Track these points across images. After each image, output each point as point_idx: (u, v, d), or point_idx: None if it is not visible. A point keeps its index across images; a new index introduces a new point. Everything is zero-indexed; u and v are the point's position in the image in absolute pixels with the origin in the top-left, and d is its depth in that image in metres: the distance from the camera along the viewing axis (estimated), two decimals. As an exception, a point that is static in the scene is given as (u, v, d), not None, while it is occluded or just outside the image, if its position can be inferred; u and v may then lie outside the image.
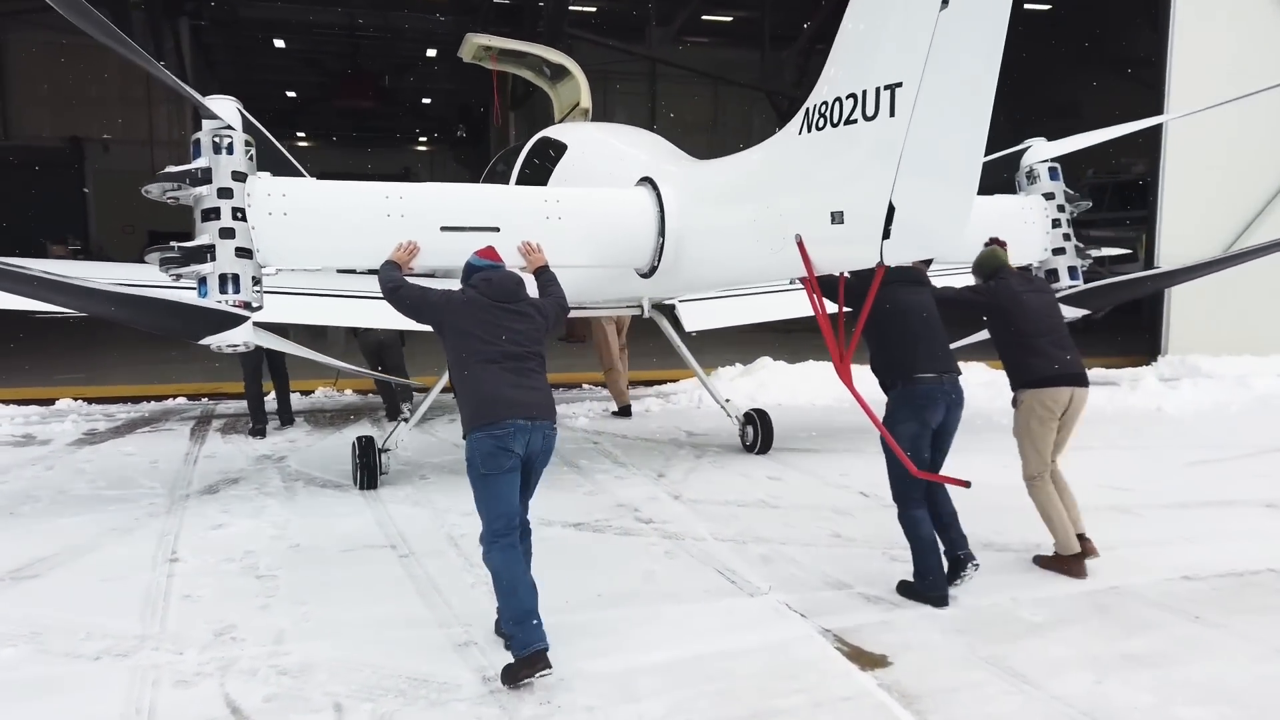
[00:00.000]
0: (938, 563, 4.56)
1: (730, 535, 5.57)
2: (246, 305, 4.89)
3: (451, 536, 5.47)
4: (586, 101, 8.32)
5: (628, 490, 6.58)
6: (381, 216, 5.07)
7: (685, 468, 7.28)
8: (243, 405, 9.52)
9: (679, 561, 5.12)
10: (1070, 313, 6.34)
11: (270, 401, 8.89)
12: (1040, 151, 6.57)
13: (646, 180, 5.87)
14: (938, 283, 5.15)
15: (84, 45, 29.15)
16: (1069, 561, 4.93)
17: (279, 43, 35.74)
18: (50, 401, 9.68)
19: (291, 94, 42.78)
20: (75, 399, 9.85)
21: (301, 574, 4.84)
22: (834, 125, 4.65)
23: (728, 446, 8.09)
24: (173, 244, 4.88)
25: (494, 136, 40.46)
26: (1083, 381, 4.96)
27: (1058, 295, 6.09)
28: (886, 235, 4.34)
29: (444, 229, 5.10)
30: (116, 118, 32.55)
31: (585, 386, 11.30)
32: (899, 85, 4.26)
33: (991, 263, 5.19)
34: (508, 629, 3.78)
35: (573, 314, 6.64)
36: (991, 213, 6.14)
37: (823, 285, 4.75)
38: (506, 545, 3.91)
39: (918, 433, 4.56)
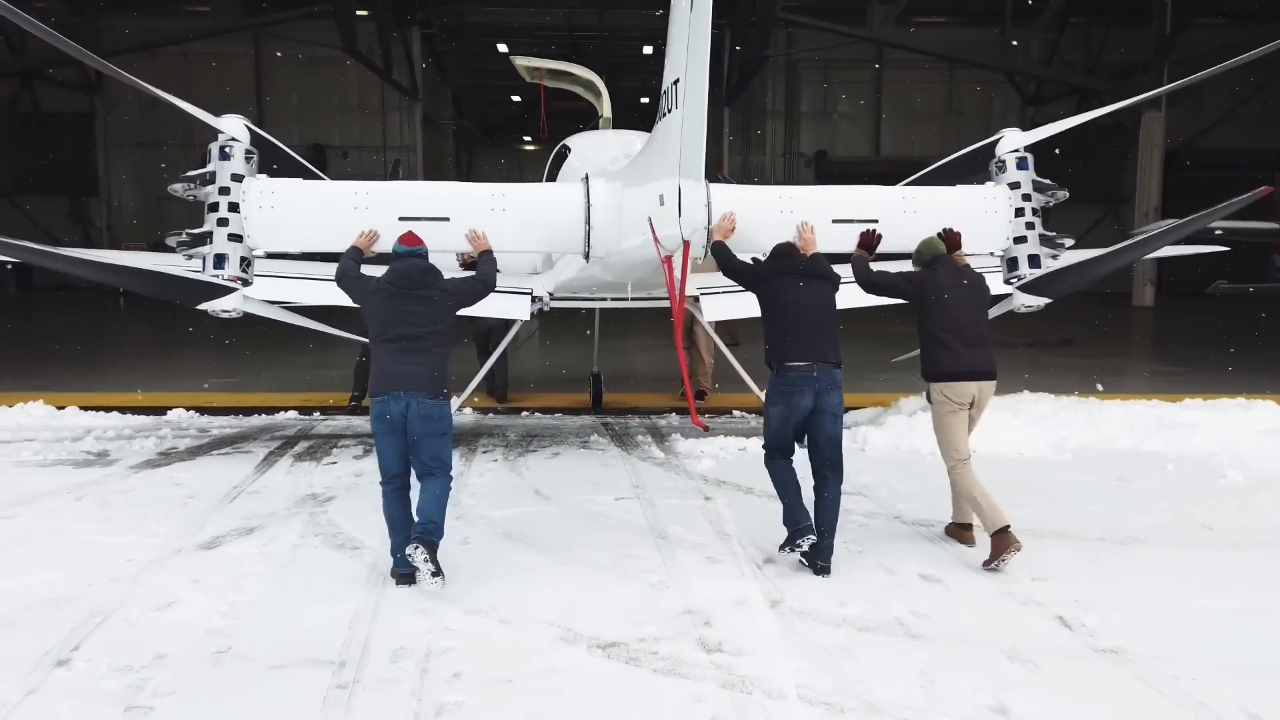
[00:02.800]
0: (798, 500, 5.06)
1: (825, 692, 3.64)
2: (244, 281, 5.90)
3: (429, 652, 3.94)
4: (607, 112, 9.73)
5: (711, 585, 4.78)
6: (350, 209, 5.84)
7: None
8: (340, 425, 8.70)
9: (723, 743, 3.29)
10: (1031, 300, 6.44)
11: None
12: (1011, 141, 6.48)
13: (585, 177, 6.44)
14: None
15: (327, 58, 30.80)
16: (998, 536, 5.03)
17: (502, 47, 36.33)
18: (163, 410, 9.25)
19: (516, 98, 43.66)
20: (189, 408, 9.36)
21: (189, 707, 3.48)
22: (663, 117, 5.57)
23: (881, 515, 6.07)
24: (185, 231, 5.90)
25: (712, 136, 39.31)
26: (986, 376, 5.33)
27: (1019, 284, 6.33)
28: (680, 212, 5.42)
29: (401, 218, 5.68)
30: (354, 125, 34.23)
31: (736, 413, 9.50)
32: (678, 81, 5.20)
33: (929, 250, 5.49)
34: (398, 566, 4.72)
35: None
36: (955, 202, 6.28)
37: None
38: (388, 491, 4.81)
39: (785, 415, 5.06)
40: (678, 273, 5.87)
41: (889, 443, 7.91)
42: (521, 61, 10.29)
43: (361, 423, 8.96)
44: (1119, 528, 5.76)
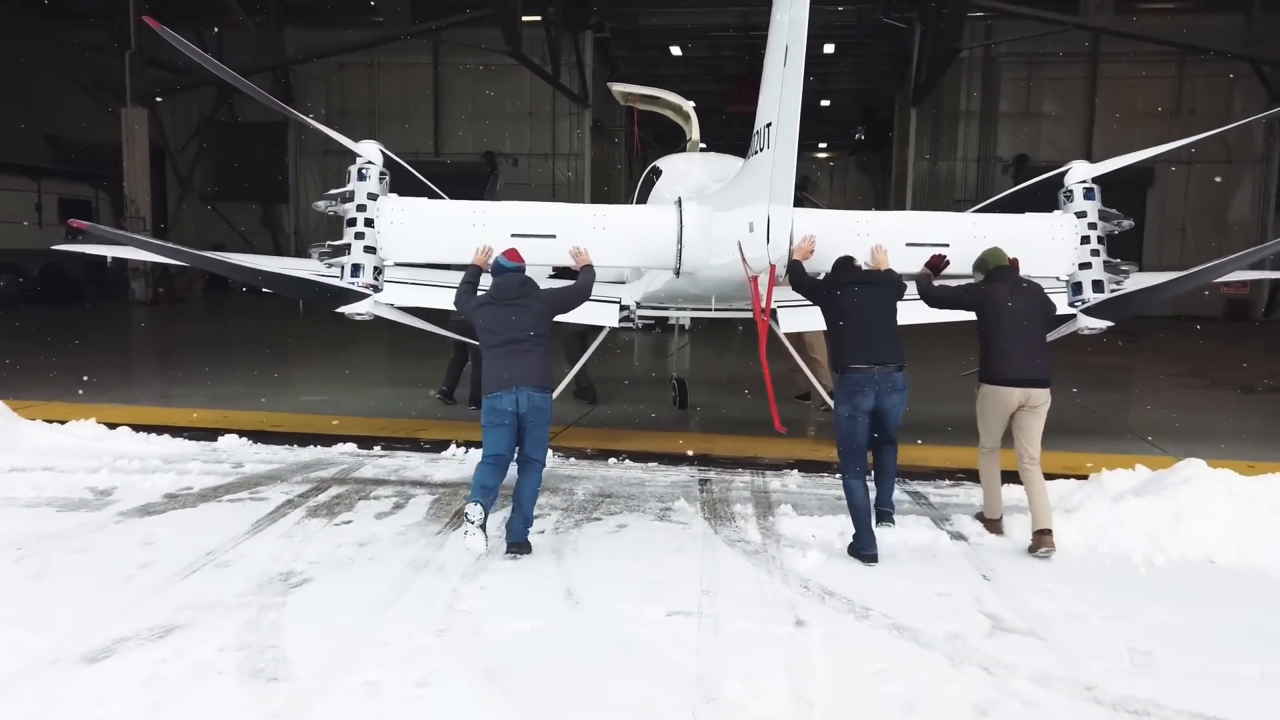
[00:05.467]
0: (867, 525, 5.44)
1: None
2: (374, 288, 6.45)
3: None
4: (696, 135, 10.74)
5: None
6: (469, 226, 6.48)
7: (931, 751, 3.37)
8: (393, 465, 7.37)
9: None
10: (1095, 323, 6.55)
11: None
12: (1079, 173, 6.75)
13: (679, 201, 6.94)
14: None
15: (501, 66, 30.57)
16: (991, 523, 5.97)
17: (675, 50, 35.12)
18: (215, 435, 8.27)
19: (691, 104, 42.20)
20: (243, 433, 8.34)
21: None
22: (755, 154, 6.16)
23: (1061, 682, 3.95)
24: (326, 243, 6.49)
25: (897, 140, 36.26)
26: (1036, 384, 5.61)
27: (1083, 308, 6.59)
28: (769, 240, 5.96)
29: (514, 235, 6.34)
30: (525, 132, 33.90)
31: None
32: (770, 124, 5.81)
33: (991, 260, 5.88)
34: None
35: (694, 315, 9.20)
36: (1023, 229, 6.66)
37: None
38: (487, 464, 5.38)
39: (851, 414, 5.47)
40: (762, 291, 6.08)
41: (1084, 542, 5.68)
42: (618, 88, 11.78)
43: (419, 463, 7.62)
44: None
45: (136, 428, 8.30)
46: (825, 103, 38.74)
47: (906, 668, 4.04)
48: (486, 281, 5.89)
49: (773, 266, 5.98)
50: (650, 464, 7.76)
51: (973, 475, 7.38)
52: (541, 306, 5.62)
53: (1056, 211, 6.83)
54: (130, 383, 11.71)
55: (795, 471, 7.49)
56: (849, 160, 44.91)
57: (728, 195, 6.76)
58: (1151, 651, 4.24)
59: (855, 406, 5.41)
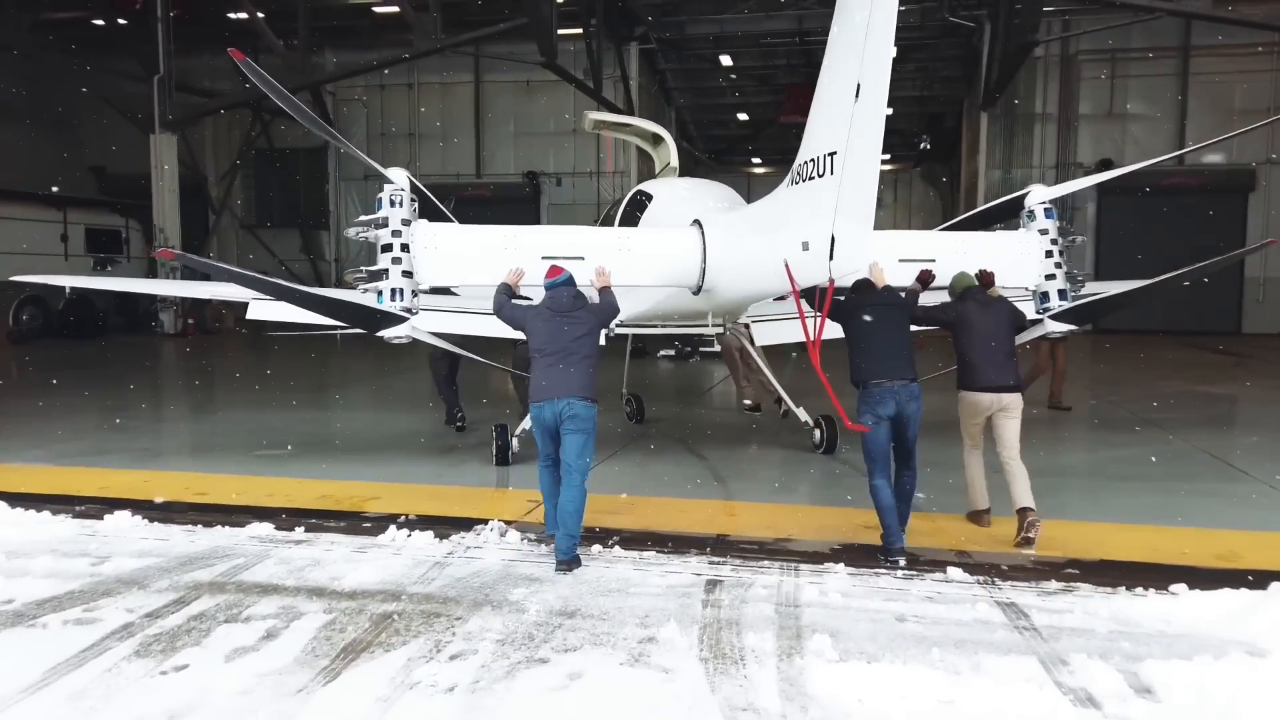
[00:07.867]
0: (893, 521, 5.77)
1: None
2: (408, 310, 6.58)
3: None
4: (675, 161, 10.69)
5: None
6: (500, 250, 6.73)
7: None
8: (301, 560, 5.57)
9: None
10: (1060, 328, 7.12)
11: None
12: (1039, 195, 7.31)
13: (697, 222, 7.37)
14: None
15: (543, 82, 29.23)
16: (976, 515, 6.43)
17: (726, 59, 33.47)
18: (101, 512, 6.57)
19: (743, 116, 40.21)
20: (140, 509, 6.63)
21: None
22: (805, 181, 6.45)
23: None
24: (362, 268, 6.67)
25: (965, 149, 33.79)
26: (1006, 390, 6.18)
27: (1049, 314, 7.10)
28: (831, 257, 6.20)
29: (544, 258, 6.52)
30: (568, 151, 32.46)
31: (949, 572, 5.35)
32: (834, 153, 6.03)
33: (959, 283, 6.52)
34: (548, 529, 5.90)
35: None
36: (993, 246, 7.22)
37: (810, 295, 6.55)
38: (545, 467, 5.93)
39: (873, 424, 5.86)
40: (805, 306, 6.51)
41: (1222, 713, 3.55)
42: (592, 116, 11.66)
43: (341, 554, 5.79)
44: None
45: (16, 500, 6.69)
46: (887, 111, 36.48)
47: None
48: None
49: (831, 282, 6.23)
50: (647, 552, 5.82)
51: (1091, 569, 5.40)
52: (593, 319, 5.92)
53: (1020, 229, 7.32)
54: (83, 433, 10.20)
55: (841, 567, 5.47)
56: (913, 172, 42.43)
57: (765, 217, 7.15)
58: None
59: (878, 415, 5.84)
